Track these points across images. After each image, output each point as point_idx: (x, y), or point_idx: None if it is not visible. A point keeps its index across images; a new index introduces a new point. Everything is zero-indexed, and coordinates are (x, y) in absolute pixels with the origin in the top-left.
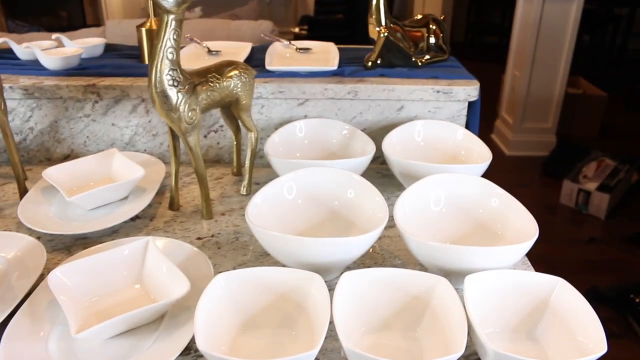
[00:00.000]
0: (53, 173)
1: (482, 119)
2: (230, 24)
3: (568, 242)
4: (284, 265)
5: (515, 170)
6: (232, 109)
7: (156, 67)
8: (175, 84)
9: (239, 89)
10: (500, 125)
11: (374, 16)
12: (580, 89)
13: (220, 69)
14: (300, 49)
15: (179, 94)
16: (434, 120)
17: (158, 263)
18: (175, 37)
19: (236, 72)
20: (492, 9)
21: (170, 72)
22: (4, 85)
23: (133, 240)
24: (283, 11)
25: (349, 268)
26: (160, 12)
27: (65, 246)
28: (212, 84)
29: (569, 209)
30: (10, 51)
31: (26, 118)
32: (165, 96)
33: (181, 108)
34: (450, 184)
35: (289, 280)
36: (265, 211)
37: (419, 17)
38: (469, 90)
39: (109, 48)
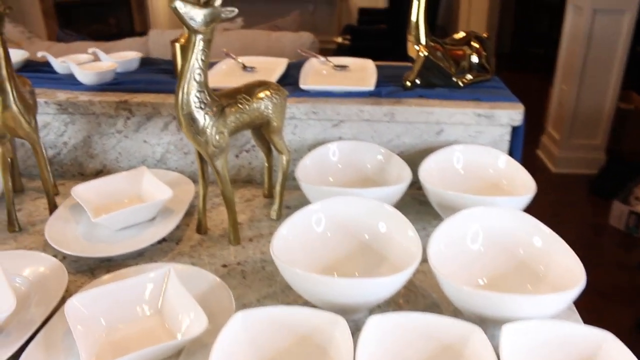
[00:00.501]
0: (82, 191)
1: (526, 133)
2: (271, 35)
3: (617, 267)
4: (308, 301)
5: (562, 188)
6: (263, 131)
7: (183, 89)
8: (203, 106)
9: (270, 111)
10: (546, 140)
11: (413, 34)
12: (632, 104)
13: (251, 90)
14: (337, 66)
15: (206, 116)
16: (474, 145)
17: (178, 295)
18: (203, 57)
19: (267, 93)
20: (540, 18)
21: (198, 94)
22: (40, 100)
23: (155, 268)
24: (327, 20)
25: (378, 306)
26: (188, 31)
27: (89, 268)
28: (241, 106)
29: (618, 232)
30: (50, 64)
31: (60, 132)
32: (192, 119)
33: (208, 131)
34: (490, 219)
35: (312, 321)
36: (291, 243)
37: (461, 34)
38: (513, 114)
39: (145, 62)
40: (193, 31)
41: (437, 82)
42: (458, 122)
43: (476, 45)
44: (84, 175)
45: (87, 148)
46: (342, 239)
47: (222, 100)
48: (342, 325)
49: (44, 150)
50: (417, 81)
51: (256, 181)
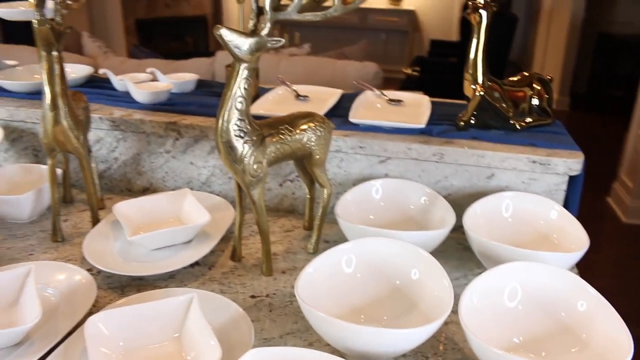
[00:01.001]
0: (123, 208)
1: (597, 179)
2: (336, 63)
3: None
4: (329, 345)
5: (633, 240)
6: (305, 163)
7: (223, 116)
8: (242, 134)
9: (313, 143)
10: (618, 188)
11: (470, 72)
12: None
13: (294, 121)
14: (391, 100)
15: (245, 145)
16: (526, 193)
17: (198, 324)
18: (246, 86)
19: (311, 125)
20: (620, 59)
21: (238, 122)
22: (95, 115)
23: (180, 293)
24: (398, 51)
25: (403, 355)
26: (233, 59)
27: (120, 285)
28: (282, 137)
29: None
30: (109, 81)
31: (112, 148)
32: (230, 147)
33: (246, 160)
34: (531, 275)
35: None
36: (318, 282)
37: (523, 75)
38: (571, 163)
39: (202, 84)
40: (237, 59)
41: (493, 123)
42: (510, 168)
43: (538, 87)
44: (131, 191)
45: (136, 165)
46: (372, 282)
47: (263, 130)
48: None
49: (91, 165)
50: (472, 121)
51: (298, 212)
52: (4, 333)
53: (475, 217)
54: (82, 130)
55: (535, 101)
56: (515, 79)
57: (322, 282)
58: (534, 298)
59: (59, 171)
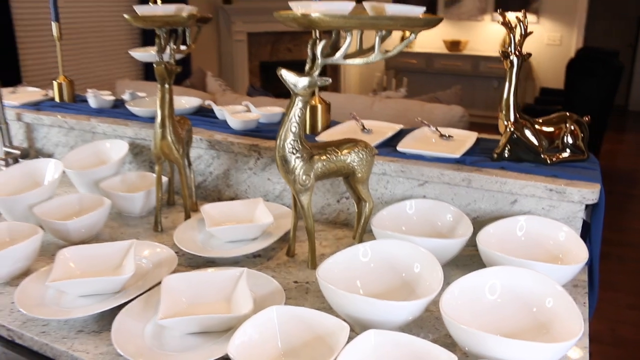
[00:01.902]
0: (208, 209)
1: None
2: (425, 105)
3: None
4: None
5: None
6: (349, 180)
7: (281, 136)
8: (294, 151)
9: (355, 163)
10: None
11: (503, 111)
12: None
13: (341, 145)
14: (443, 135)
15: (296, 160)
16: (539, 217)
17: (243, 290)
18: (299, 114)
19: (355, 148)
20: None
21: (292, 142)
22: (196, 136)
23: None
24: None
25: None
26: (291, 92)
27: (197, 264)
28: (329, 156)
29: None
30: (213, 111)
31: (208, 164)
32: (285, 160)
33: (297, 172)
34: (512, 277)
35: (325, 324)
36: (336, 268)
37: (558, 115)
38: (585, 192)
39: None
40: (294, 94)
41: (525, 157)
42: (530, 195)
43: (572, 127)
44: (221, 200)
45: (226, 179)
46: (382, 273)
47: (312, 150)
48: (346, 331)
49: (187, 173)
50: (505, 154)
51: (351, 225)
52: (110, 280)
53: (488, 233)
54: (182, 145)
55: (569, 139)
56: (551, 118)
57: (340, 269)
58: (511, 294)
59: (165, 179)
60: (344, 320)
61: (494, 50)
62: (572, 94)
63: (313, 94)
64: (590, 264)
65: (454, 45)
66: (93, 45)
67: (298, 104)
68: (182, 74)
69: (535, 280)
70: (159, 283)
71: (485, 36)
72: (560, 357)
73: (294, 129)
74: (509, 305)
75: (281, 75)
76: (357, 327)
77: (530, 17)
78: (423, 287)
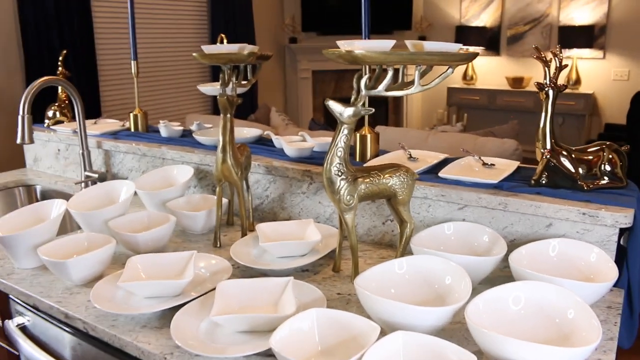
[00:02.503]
0: (264, 227)
1: None
2: (477, 139)
3: None
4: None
5: None
6: (391, 202)
7: (328, 160)
8: (340, 174)
9: (397, 186)
10: None
11: (540, 140)
12: None
13: (383, 169)
14: (485, 163)
15: (342, 181)
16: (572, 240)
17: (289, 297)
18: (345, 141)
19: (397, 172)
20: None
21: (337, 165)
22: (255, 162)
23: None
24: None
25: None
26: (337, 121)
27: (250, 275)
28: (372, 179)
29: None
30: (272, 141)
31: (265, 188)
32: (331, 182)
33: (342, 192)
34: (537, 291)
35: (358, 325)
36: (372, 278)
37: (599, 144)
38: (618, 216)
39: None
40: (340, 122)
41: (562, 183)
42: (564, 218)
43: (610, 155)
44: (276, 221)
45: (281, 202)
46: (416, 284)
47: (357, 173)
48: (376, 331)
49: (245, 194)
50: (542, 181)
51: (395, 246)
52: (172, 283)
53: (520, 254)
54: (241, 169)
55: (607, 167)
56: (589, 146)
57: (376, 280)
58: (534, 307)
59: (225, 200)
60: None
61: None
62: (636, 128)
63: (362, 124)
64: (628, 289)
65: (516, 81)
66: (166, 82)
67: (344, 131)
68: (249, 108)
69: (558, 293)
70: (214, 289)
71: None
72: None
73: (339, 154)
74: (531, 316)
75: (328, 105)
76: (389, 331)
77: (596, 53)
78: (452, 297)
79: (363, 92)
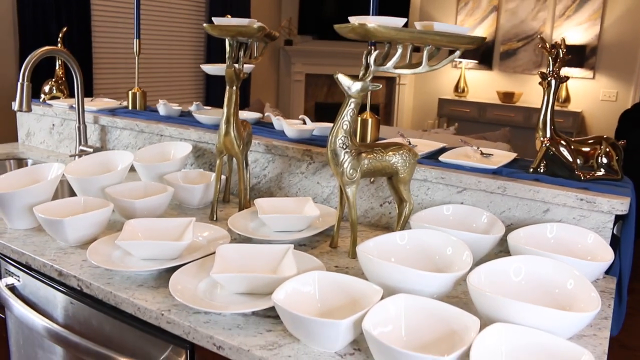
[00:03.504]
0: (261, 202)
1: None
2: (471, 141)
3: None
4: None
5: None
6: (392, 180)
7: (333, 132)
8: (344, 147)
9: (399, 164)
10: None
11: (541, 128)
12: None
13: (387, 146)
14: (483, 153)
15: (346, 154)
16: (568, 224)
17: (289, 264)
18: (351, 114)
19: (400, 151)
20: None
21: (342, 138)
22: (255, 141)
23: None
24: None
25: None
26: (345, 94)
27: None
28: (375, 155)
29: None
30: (271, 124)
31: (264, 167)
32: (335, 154)
33: (345, 165)
34: (535, 264)
35: (359, 289)
36: (373, 247)
37: (596, 137)
38: (615, 203)
39: None
40: (348, 96)
41: (560, 173)
42: (561, 204)
43: (607, 148)
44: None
45: (278, 181)
46: (416, 255)
47: (361, 148)
48: (379, 294)
49: (244, 168)
50: (540, 170)
51: (392, 228)
52: (171, 244)
53: (518, 235)
54: (242, 142)
55: (603, 159)
56: (587, 138)
57: (378, 249)
58: (534, 278)
59: (223, 177)
60: None
61: None
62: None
63: (363, 108)
64: (619, 279)
65: (507, 96)
66: (163, 69)
67: (350, 105)
68: (242, 104)
69: (557, 267)
70: (214, 253)
71: (539, 89)
72: (575, 329)
73: (345, 127)
74: (531, 287)
75: (337, 79)
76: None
77: (586, 73)
78: (453, 268)
79: (372, 67)
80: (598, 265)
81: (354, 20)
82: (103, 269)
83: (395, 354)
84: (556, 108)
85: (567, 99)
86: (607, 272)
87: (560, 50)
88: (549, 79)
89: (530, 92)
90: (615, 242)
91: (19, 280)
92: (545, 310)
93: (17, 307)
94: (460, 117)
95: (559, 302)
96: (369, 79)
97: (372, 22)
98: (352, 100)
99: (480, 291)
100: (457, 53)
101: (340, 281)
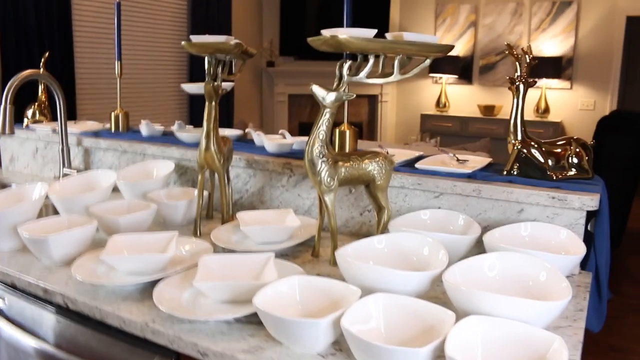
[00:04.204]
0: (243, 215)
1: None
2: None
3: None
4: None
5: None
6: (370, 188)
7: (310, 142)
8: (321, 155)
9: (376, 172)
10: None
11: (512, 131)
12: None
13: (363, 155)
14: (459, 160)
15: (322, 163)
16: (542, 223)
17: (270, 271)
18: (327, 124)
19: (376, 158)
20: None
21: (319, 147)
22: (236, 156)
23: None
24: None
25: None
26: (320, 104)
27: None
28: (352, 163)
29: None
30: (252, 140)
31: (245, 182)
32: (312, 163)
33: (322, 174)
34: (510, 260)
35: (338, 291)
36: (353, 253)
37: (566, 138)
38: (585, 199)
39: None
40: (323, 106)
41: (533, 174)
42: (535, 203)
43: (577, 149)
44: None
45: (260, 196)
46: (395, 257)
47: (337, 156)
48: (357, 294)
49: (226, 183)
50: (514, 172)
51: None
52: (154, 257)
53: (493, 236)
54: (223, 156)
55: (574, 159)
56: (557, 140)
57: (356, 253)
58: (508, 272)
59: (206, 193)
60: None
61: (527, 115)
62: (600, 151)
63: (341, 120)
64: (596, 274)
65: (488, 109)
66: (144, 93)
67: (326, 115)
68: (224, 124)
69: (530, 261)
70: (196, 265)
71: None
72: (549, 318)
73: (321, 136)
74: (506, 281)
75: (312, 89)
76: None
77: (563, 84)
78: (430, 267)
79: (345, 78)
80: (571, 258)
81: (327, 32)
82: (88, 285)
83: (374, 350)
84: (536, 119)
85: (547, 110)
86: (584, 268)
87: (527, 56)
88: (517, 83)
89: (510, 104)
90: (590, 239)
91: (4, 302)
92: (517, 301)
93: (3, 328)
94: (443, 132)
95: (533, 294)
96: (343, 89)
97: (344, 33)
98: (327, 110)
99: (455, 286)
100: (427, 61)
101: (320, 284)
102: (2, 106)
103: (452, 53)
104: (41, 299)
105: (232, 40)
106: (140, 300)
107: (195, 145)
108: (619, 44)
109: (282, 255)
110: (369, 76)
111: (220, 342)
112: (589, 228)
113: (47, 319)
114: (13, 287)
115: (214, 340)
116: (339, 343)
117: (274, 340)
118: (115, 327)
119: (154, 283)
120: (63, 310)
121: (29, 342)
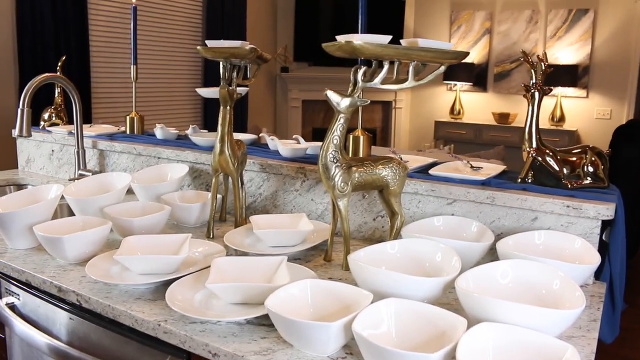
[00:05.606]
0: (257, 218)
1: None
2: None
3: None
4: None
5: None
6: (383, 193)
7: (324, 147)
8: (335, 160)
9: (389, 177)
10: None
11: (526, 139)
12: None
13: (377, 160)
14: (473, 167)
15: (336, 168)
16: (556, 231)
17: (282, 274)
18: (341, 129)
19: (389, 164)
20: None
21: (333, 152)
22: (250, 160)
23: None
24: None
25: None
26: (334, 110)
27: None
28: (366, 168)
29: None
30: (266, 144)
31: (259, 186)
32: (326, 168)
33: (336, 179)
34: (522, 268)
35: (350, 295)
36: (365, 257)
37: (582, 146)
38: (600, 208)
39: None
40: (337, 111)
41: (547, 182)
42: (549, 211)
43: (592, 157)
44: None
45: (273, 200)
46: (407, 262)
47: (351, 161)
48: (369, 299)
49: (239, 185)
50: (528, 180)
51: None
52: (167, 258)
53: (506, 243)
54: (237, 160)
55: (589, 168)
56: (572, 148)
57: (369, 258)
58: (521, 280)
59: (220, 196)
60: None
61: (542, 123)
62: (616, 160)
63: (355, 126)
64: (610, 284)
65: (502, 117)
66: (160, 97)
67: (340, 120)
68: (239, 130)
69: (543, 269)
70: (209, 267)
71: None
72: (561, 327)
73: (335, 141)
74: (519, 289)
75: (326, 95)
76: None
77: (579, 92)
78: (442, 273)
79: (359, 83)
80: (585, 267)
81: (341, 38)
82: (101, 284)
83: (385, 354)
84: (551, 127)
85: (562, 118)
86: (599, 278)
87: (542, 64)
88: (533, 91)
89: (525, 112)
90: (604, 249)
91: (19, 299)
92: (530, 309)
93: (18, 325)
94: (457, 139)
95: (546, 302)
96: (357, 94)
97: (359, 39)
98: (342, 115)
99: (467, 293)
100: (442, 68)
101: (332, 288)
102: (20, 109)
103: (467, 60)
104: (55, 297)
105: (247, 45)
106: (152, 300)
107: (209, 149)
108: (636, 52)
109: (295, 259)
110: (383, 82)
111: (231, 343)
112: (603, 237)
113: (61, 317)
114: (28, 284)
115: (225, 342)
116: (350, 347)
117: (285, 343)
118: (128, 326)
119: (167, 284)
120: (76, 309)
121: (42, 339)
